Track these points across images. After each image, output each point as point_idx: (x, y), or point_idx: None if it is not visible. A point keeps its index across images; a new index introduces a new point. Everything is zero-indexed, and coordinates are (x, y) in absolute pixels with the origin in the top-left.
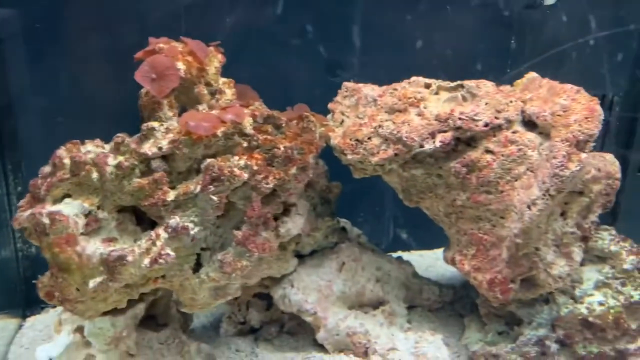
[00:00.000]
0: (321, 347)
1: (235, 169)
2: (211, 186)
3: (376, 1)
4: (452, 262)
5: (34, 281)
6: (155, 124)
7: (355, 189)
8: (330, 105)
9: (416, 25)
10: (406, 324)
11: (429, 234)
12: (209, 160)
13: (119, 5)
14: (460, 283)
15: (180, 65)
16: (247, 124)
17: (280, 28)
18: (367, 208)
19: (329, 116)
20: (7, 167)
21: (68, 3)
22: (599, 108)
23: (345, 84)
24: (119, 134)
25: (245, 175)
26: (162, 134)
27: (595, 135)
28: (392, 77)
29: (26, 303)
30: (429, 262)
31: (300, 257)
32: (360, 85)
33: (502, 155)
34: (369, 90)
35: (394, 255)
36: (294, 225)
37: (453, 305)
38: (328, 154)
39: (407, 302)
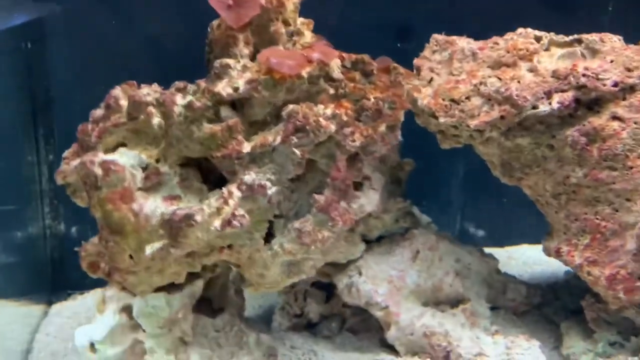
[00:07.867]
0: (390, 348)
1: (321, 119)
2: (294, 137)
3: None
4: (557, 253)
5: (76, 248)
6: (230, 61)
7: (419, 172)
8: (416, 62)
9: None
10: (490, 326)
11: (501, 229)
12: (291, 106)
13: None
14: (546, 284)
15: None
16: (335, 67)
17: None
18: (431, 196)
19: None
20: (39, 132)
21: None
22: None
23: (435, 36)
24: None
25: (333, 127)
26: (238, 72)
27: None
28: None
29: (52, 288)
30: (502, 261)
31: (366, 242)
32: (455, 37)
33: (635, 123)
34: (466, 43)
35: None
36: (367, 201)
37: (541, 310)
38: None
39: (489, 302)
